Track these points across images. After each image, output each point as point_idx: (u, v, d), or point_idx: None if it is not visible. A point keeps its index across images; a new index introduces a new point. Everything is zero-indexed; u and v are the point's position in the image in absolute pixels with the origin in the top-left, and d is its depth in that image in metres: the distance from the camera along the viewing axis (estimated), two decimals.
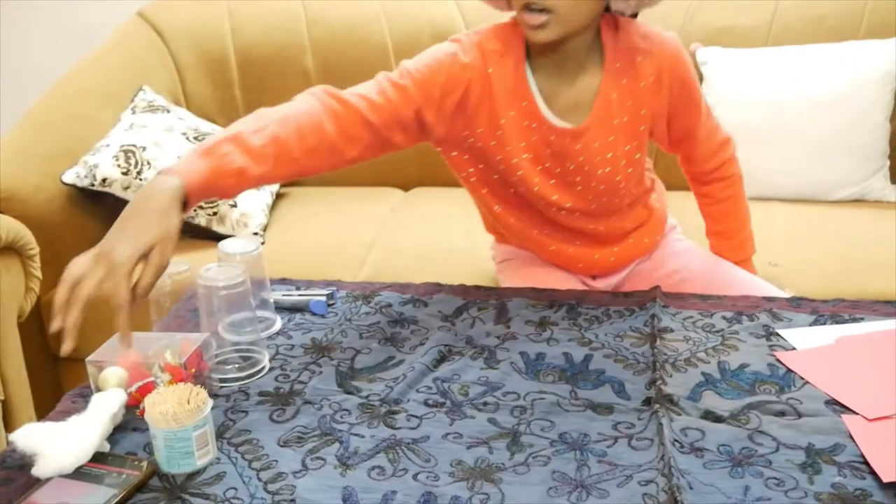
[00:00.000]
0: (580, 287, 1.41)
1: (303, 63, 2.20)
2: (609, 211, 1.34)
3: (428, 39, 2.08)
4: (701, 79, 2.00)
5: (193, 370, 0.98)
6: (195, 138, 1.93)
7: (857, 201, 1.93)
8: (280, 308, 1.23)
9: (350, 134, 1.14)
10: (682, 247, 1.46)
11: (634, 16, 1.27)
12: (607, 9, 1.21)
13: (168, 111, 2.01)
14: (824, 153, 1.91)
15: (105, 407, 0.90)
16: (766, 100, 1.93)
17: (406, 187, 2.22)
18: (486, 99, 1.21)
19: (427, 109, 1.19)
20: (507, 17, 1.25)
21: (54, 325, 0.90)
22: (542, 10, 1.12)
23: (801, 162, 1.92)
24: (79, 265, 0.93)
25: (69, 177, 1.80)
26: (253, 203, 1.90)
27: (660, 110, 1.28)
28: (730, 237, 1.45)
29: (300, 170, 1.13)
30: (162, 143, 1.88)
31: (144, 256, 0.93)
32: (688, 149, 1.38)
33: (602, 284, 1.44)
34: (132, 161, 1.81)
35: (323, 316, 1.22)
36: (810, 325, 1.14)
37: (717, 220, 1.46)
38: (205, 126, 2.04)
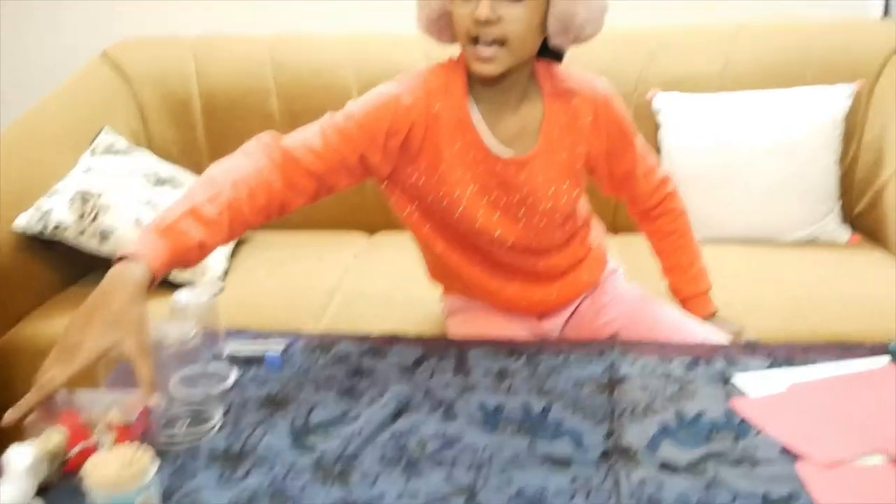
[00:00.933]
0: (527, 332, 1.42)
1: (268, 107, 2.20)
2: (548, 248, 1.37)
3: None
4: (657, 125, 2.04)
5: (141, 430, 0.96)
6: (154, 182, 1.92)
7: (811, 242, 1.97)
8: (235, 360, 1.21)
9: (297, 186, 1.19)
10: (621, 293, 1.48)
11: (560, 59, 1.30)
12: (543, 48, 1.24)
13: (129, 154, 1.99)
14: (777, 195, 1.95)
15: (18, 461, 0.87)
16: (720, 144, 1.96)
17: (370, 231, 2.22)
18: (431, 136, 1.24)
19: (371, 153, 1.22)
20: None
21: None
22: (493, 43, 1.15)
23: (756, 204, 1.95)
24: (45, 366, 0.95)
25: (21, 222, 1.76)
26: None
27: (599, 151, 1.32)
28: (683, 271, 1.48)
29: (251, 226, 1.17)
30: (121, 187, 1.86)
31: (108, 351, 0.95)
32: (630, 188, 1.42)
33: (548, 326, 1.45)
34: (88, 206, 1.79)
35: (279, 368, 1.20)
36: (765, 370, 1.15)
37: (668, 255, 1.49)
38: (166, 170, 2.02)
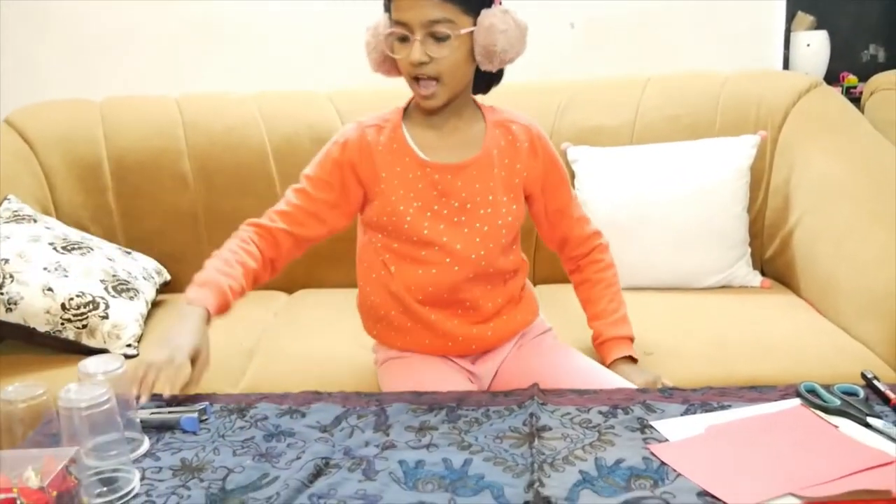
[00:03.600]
0: (462, 377, 1.43)
1: (180, 167, 2.17)
2: (490, 272, 1.43)
3: (307, 142, 2.09)
4: (573, 176, 2.09)
5: (55, 493, 0.91)
6: (63, 248, 1.86)
7: (725, 287, 2.02)
8: (148, 427, 1.17)
9: (276, 245, 1.44)
10: (547, 348, 1.51)
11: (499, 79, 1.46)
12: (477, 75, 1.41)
13: (35, 220, 1.93)
14: (690, 243, 2.00)
15: None
16: (634, 194, 2.02)
17: (290, 290, 2.19)
18: (369, 163, 1.43)
19: (349, 180, 1.43)
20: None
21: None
22: (430, 79, 1.35)
23: (670, 252, 2.00)
24: (154, 365, 1.22)
25: None
26: (126, 313, 1.82)
27: (536, 177, 1.47)
28: (608, 316, 1.54)
29: (259, 278, 1.44)
30: (27, 254, 1.80)
31: (197, 349, 1.27)
32: (565, 227, 1.52)
33: (481, 370, 1.48)
34: None
35: (195, 433, 1.17)
36: (682, 415, 1.17)
37: (594, 302, 1.55)
38: (74, 234, 1.97)
